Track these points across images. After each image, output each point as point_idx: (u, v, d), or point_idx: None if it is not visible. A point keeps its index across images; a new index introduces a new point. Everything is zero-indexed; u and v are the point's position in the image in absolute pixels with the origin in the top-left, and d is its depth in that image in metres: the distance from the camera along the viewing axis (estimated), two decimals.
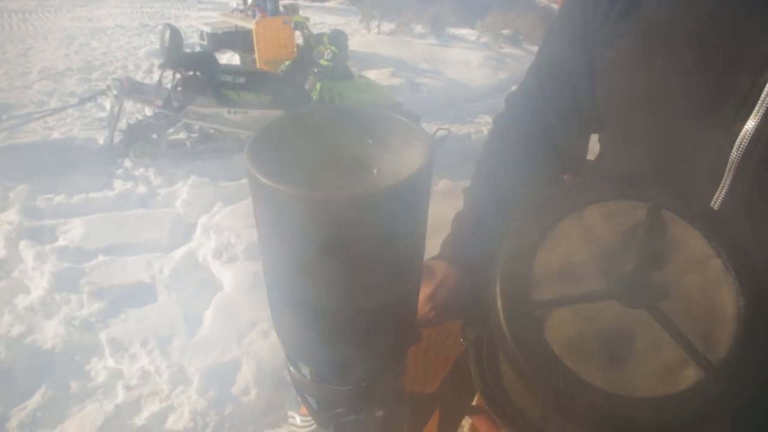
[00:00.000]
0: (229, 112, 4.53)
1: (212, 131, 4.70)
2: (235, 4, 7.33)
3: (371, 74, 6.37)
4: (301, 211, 0.35)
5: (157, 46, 4.75)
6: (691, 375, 0.24)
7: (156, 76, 4.94)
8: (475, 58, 8.25)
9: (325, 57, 4.85)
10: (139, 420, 2.18)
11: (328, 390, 0.44)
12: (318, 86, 4.79)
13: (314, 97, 4.78)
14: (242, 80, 4.60)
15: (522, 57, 8.78)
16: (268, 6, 6.32)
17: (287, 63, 5.15)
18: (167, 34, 4.37)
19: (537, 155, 0.70)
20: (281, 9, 6.47)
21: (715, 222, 0.27)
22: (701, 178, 0.51)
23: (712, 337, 0.24)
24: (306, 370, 0.45)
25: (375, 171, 0.39)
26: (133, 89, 4.50)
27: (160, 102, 4.42)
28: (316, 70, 4.88)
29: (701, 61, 0.51)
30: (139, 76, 6.74)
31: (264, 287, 0.44)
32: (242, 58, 6.78)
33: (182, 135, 4.80)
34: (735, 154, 0.48)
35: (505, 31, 11.17)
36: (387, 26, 10.51)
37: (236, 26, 6.82)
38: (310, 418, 0.64)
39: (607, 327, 0.25)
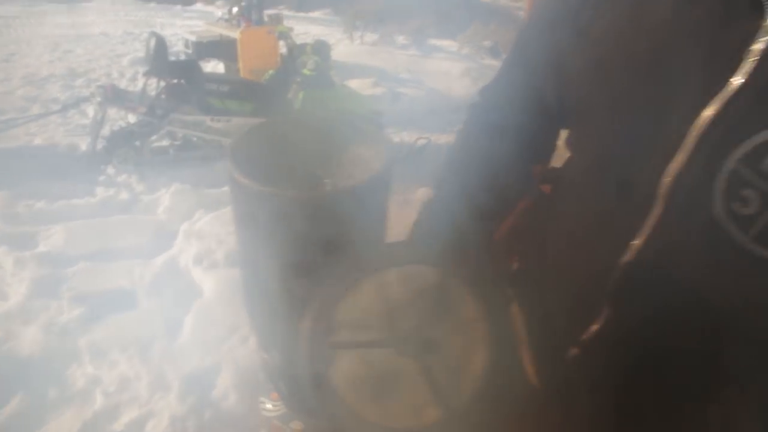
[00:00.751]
0: (212, 120, 4.56)
1: (195, 139, 4.72)
2: (220, 14, 7.37)
3: (354, 84, 6.43)
4: (269, 206, 0.39)
5: (141, 54, 4.77)
6: (434, 414, 0.29)
7: (140, 84, 4.95)
8: (456, 69, 8.36)
9: (308, 67, 4.90)
10: (118, 426, 2.18)
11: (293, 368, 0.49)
12: (301, 95, 4.84)
13: (297, 106, 4.83)
14: (226, 89, 4.64)
15: None
16: (253, 16, 6.36)
17: (271, 72, 5.20)
18: (152, 42, 4.40)
19: (505, 147, 0.72)
20: (266, 19, 6.52)
21: (491, 291, 0.31)
22: (634, 207, 0.55)
23: (459, 386, 0.29)
24: (278, 356, 0.50)
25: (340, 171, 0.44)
26: (116, 96, 4.51)
27: (143, 109, 4.44)
28: (299, 80, 4.93)
29: (643, 92, 0.54)
30: (123, 84, 6.74)
31: (244, 293, 0.48)
32: (227, 67, 6.81)
33: (165, 142, 4.82)
34: (663, 191, 0.52)
35: (485, 43, 11.32)
36: (370, 37, 10.61)
37: (221, 35, 6.85)
38: (280, 402, 0.68)
39: (381, 369, 0.29)
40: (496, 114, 0.75)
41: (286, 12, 12.54)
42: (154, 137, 4.69)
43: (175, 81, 4.55)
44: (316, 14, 13.65)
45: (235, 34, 6.32)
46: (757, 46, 0.46)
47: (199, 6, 13.45)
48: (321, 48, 5.11)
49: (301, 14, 13.10)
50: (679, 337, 0.54)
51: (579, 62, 0.61)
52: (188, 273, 3.21)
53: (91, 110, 4.99)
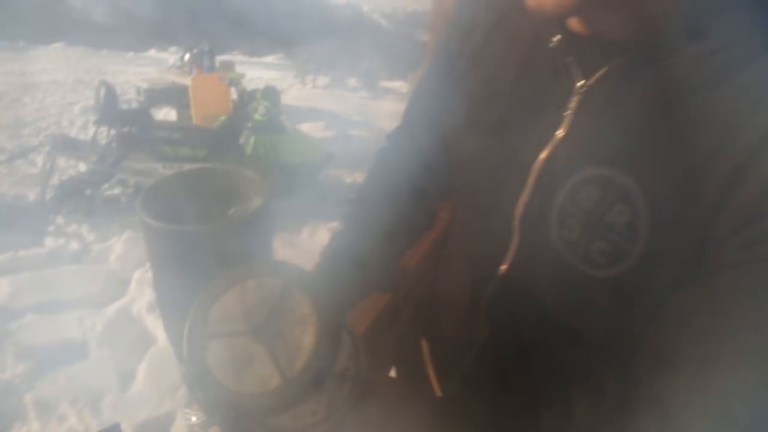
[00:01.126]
0: (164, 166, 4.60)
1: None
2: (172, 61, 7.45)
3: (305, 127, 6.57)
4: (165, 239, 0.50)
5: (92, 102, 4.79)
6: (275, 382, 0.43)
7: (91, 133, 4.96)
8: None
9: (259, 112, 5.02)
10: None
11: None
12: (252, 140, 4.94)
13: (248, 151, 4.93)
14: (177, 135, 4.69)
15: None
16: (205, 63, 6.46)
17: (222, 118, 5.29)
18: (102, 91, 4.44)
19: (408, 186, 0.83)
20: (218, 65, 6.63)
21: (321, 296, 0.46)
22: (500, 234, 0.67)
23: (295, 362, 0.43)
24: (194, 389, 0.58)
25: (231, 211, 0.56)
26: (66, 145, 4.50)
27: (94, 158, 4.45)
28: (250, 125, 5.04)
29: (494, 129, 0.66)
30: (73, 133, 6.68)
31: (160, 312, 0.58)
32: (179, 114, 6.86)
33: (117, 190, 4.81)
34: (517, 221, 0.64)
35: None
36: (322, 80, 10.86)
37: (173, 82, 6.92)
38: (201, 412, 0.75)
39: (240, 352, 0.43)
40: (401, 157, 0.87)
41: (239, 57, 12.74)
42: (105, 186, 4.67)
43: (126, 129, 4.58)
44: (269, 59, 13.89)
45: (187, 81, 6.40)
46: (572, 105, 0.58)
47: (152, 53, 13.51)
48: (271, 94, 5.24)
49: (254, 59, 13.30)
50: (543, 342, 0.65)
51: (455, 113, 0.73)
52: (141, 321, 3.21)
53: (39, 160, 4.95)
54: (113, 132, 4.54)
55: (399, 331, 0.95)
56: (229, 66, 6.73)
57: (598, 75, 0.57)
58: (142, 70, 10.12)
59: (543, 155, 0.60)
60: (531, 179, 0.62)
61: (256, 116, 5.01)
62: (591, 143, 0.57)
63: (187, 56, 6.82)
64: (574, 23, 0.59)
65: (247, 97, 5.17)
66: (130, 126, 4.58)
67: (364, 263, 0.75)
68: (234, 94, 5.64)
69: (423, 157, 0.83)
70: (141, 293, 3.43)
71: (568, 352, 0.63)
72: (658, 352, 0.51)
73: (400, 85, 12.00)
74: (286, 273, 0.47)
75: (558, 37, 0.59)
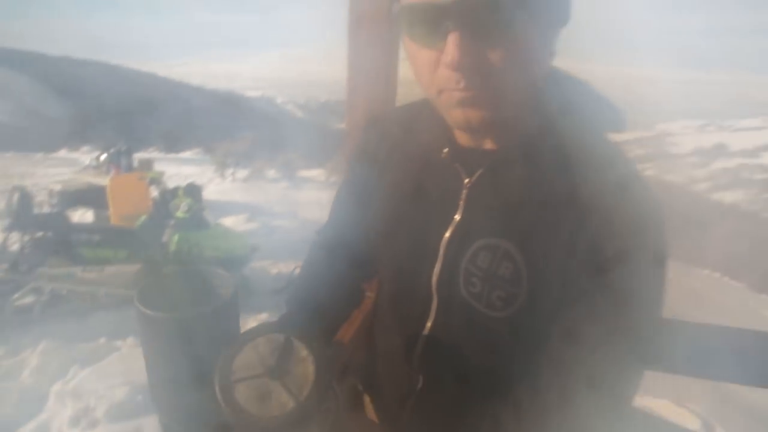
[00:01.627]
0: (83, 270, 4.47)
1: (65, 292, 4.55)
2: (88, 161, 7.36)
3: (228, 221, 6.62)
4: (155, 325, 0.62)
5: (1, 207, 4.64)
6: (291, 405, 0.58)
7: (0, 240, 4.75)
8: (326, 197, 8.81)
9: (181, 209, 5.05)
10: None
11: None
12: (176, 238, 4.93)
13: (172, 249, 4.89)
14: (97, 237, 4.62)
15: None
16: (122, 162, 6.45)
17: (143, 217, 5.25)
18: (16, 196, 4.34)
19: (339, 273, 0.98)
20: (136, 164, 6.63)
21: (316, 343, 0.62)
22: (422, 298, 0.84)
23: (303, 390, 0.58)
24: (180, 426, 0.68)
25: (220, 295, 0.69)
26: None
27: (5, 266, 4.26)
28: (173, 223, 5.04)
29: (409, 220, 0.84)
30: None
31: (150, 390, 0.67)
32: (96, 215, 6.70)
33: (29, 299, 4.57)
34: (434, 285, 0.81)
35: None
36: (241, 173, 11.00)
37: (89, 183, 6.82)
38: None
39: (261, 388, 0.58)
40: (331, 249, 1.02)
41: (155, 154, 12.69)
42: (16, 295, 4.45)
43: (41, 234, 4.45)
44: (186, 154, 13.91)
45: (104, 181, 6.33)
46: (462, 196, 0.78)
47: (62, 153, 13.20)
48: (192, 191, 5.30)
49: (171, 155, 13.28)
50: (470, 367, 0.82)
51: (371, 207, 0.91)
52: None
53: None
54: (26, 238, 4.40)
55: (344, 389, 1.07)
56: (148, 164, 6.75)
57: (477, 174, 0.77)
58: (54, 172, 9.84)
59: (447, 235, 0.79)
60: (441, 253, 0.80)
61: (179, 214, 5.02)
62: (480, 222, 0.76)
63: (103, 156, 6.79)
64: (462, 139, 0.79)
65: (169, 195, 5.20)
66: (45, 230, 4.46)
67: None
68: (155, 192, 5.65)
69: (348, 248, 0.99)
70: (62, 407, 3.23)
71: (488, 380, 0.80)
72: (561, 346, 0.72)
73: (319, 174, 12.34)
74: (284, 329, 0.62)
75: (446, 150, 0.79)
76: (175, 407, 0.62)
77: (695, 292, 8.62)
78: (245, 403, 0.58)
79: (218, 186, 9.39)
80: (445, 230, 0.79)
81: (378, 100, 1.20)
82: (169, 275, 0.72)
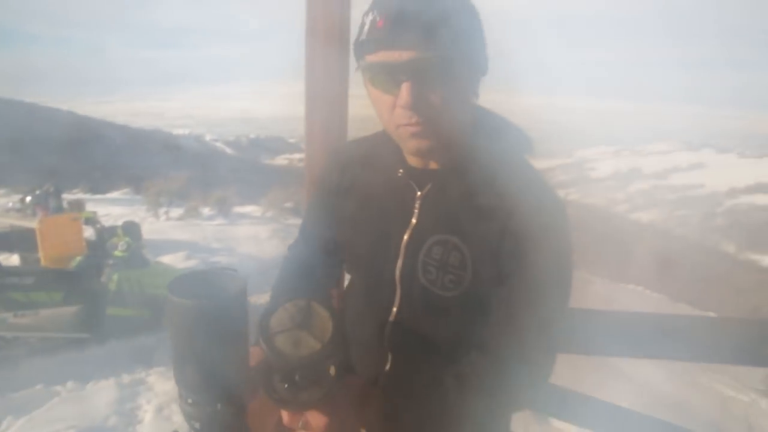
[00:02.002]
0: (15, 315, 4.32)
1: None
2: (10, 204, 7.06)
3: (166, 259, 6.53)
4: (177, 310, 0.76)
5: None
6: (318, 346, 0.77)
7: None
8: (263, 232, 8.92)
9: (120, 248, 4.98)
10: None
11: (202, 411, 0.80)
12: (115, 277, 4.85)
13: (113, 288, 4.80)
14: (30, 281, 4.47)
15: None
16: (51, 204, 6.24)
17: (79, 258, 5.13)
18: None
19: (308, 281, 1.18)
20: (65, 205, 6.44)
21: (329, 304, 0.81)
22: (388, 288, 1.02)
23: (326, 335, 0.76)
24: (190, 400, 0.80)
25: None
26: None
27: None
28: (111, 262, 4.96)
29: (374, 227, 1.03)
30: None
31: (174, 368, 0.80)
32: (23, 258, 6.43)
33: None
34: (398, 277, 1.00)
35: (287, 204, 12.26)
36: (175, 212, 10.82)
37: (12, 226, 6.54)
38: None
39: (293, 337, 0.77)
40: (301, 262, 1.20)
41: (81, 195, 12.25)
42: None
43: None
44: (114, 194, 13.51)
45: (31, 223, 6.10)
46: (416, 205, 0.98)
47: None
48: (131, 229, 5.24)
49: (99, 196, 12.87)
50: (430, 342, 1.00)
51: (340, 221, 1.10)
52: None
53: None
54: None
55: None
56: (79, 205, 6.54)
57: (427, 187, 0.98)
58: None
59: (406, 237, 0.99)
60: (402, 251, 0.99)
61: (117, 252, 4.96)
62: (431, 223, 0.97)
63: (28, 198, 6.55)
64: (413, 161, 1.00)
65: (106, 234, 5.12)
66: None
67: None
68: (89, 232, 5.53)
69: (316, 258, 1.18)
70: None
71: (446, 350, 0.99)
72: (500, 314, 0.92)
73: (254, 210, 12.30)
74: (305, 296, 0.84)
75: (401, 170, 1.00)
76: (196, 383, 0.76)
77: (622, 306, 9.19)
78: (283, 348, 0.77)
79: (152, 225, 9.20)
80: (405, 233, 0.99)
81: (333, 135, 1.39)
82: (191, 275, 0.86)
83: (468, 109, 0.93)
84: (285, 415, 0.85)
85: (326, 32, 1.30)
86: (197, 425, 0.80)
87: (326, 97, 1.39)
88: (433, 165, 0.98)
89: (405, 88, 0.82)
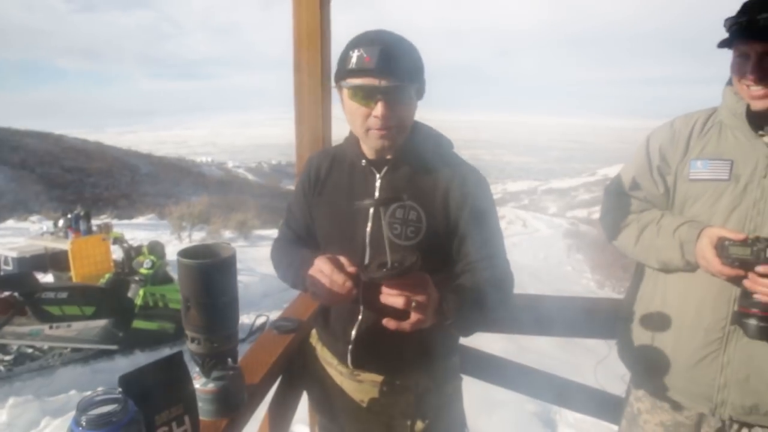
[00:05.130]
0: (50, 327, 4.66)
1: (30, 350, 4.72)
2: (45, 228, 7.51)
3: None
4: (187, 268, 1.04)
5: None
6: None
7: None
8: None
9: (145, 266, 5.34)
10: None
11: (205, 348, 1.07)
12: (141, 292, 5.20)
13: (139, 303, 5.15)
14: (64, 295, 4.81)
15: None
16: (82, 226, 6.67)
17: (108, 275, 5.50)
18: None
19: (299, 245, 1.43)
20: (95, 228, 6.86)
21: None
22: (358, 255, 1.25)
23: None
24: (195, 340, 1.07)
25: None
26: None
27: None
28: (137, 279, 5.32)
29: (345, 204, 1.30)
30: None
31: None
32: (56, 277, 6.85)
33: None
34: (367, 240, 1.25)
35: None
36: (198, 235, 11.24)
37: (46, 248, 6.98)
38: (201, 379, 1.18)
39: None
40: (287, 238, 1.48)
41: (107, 221, 12.76)
42: None
43: (8, 294, 4.65)
44: (140, 220, 14.00)
45: (63, 245, 6.53)
46: (378, 184, 1.27)
47: (10, 223, 13.09)
48: (156, 248, 5.59)
49: (125, 221, 13.37)
50: None
51: (316, 206, 1.38)
52: None
53: None
54: None
55: None
56: (106, 228, 6.97)
57: (383, 171, 1.28)
58: (5, 241, 9.84)
59: (371, 210, 1.27)
60: (370, 218, 1.27)
61: (142, 270, 5.32)
62: (391, 195, 1.24)
63: (61, 222, 6.99)
64: (371, 155, 1.29)
65: (133, 253, 5.49)
66: (12, 290, 4.66)
67: None
68: (118, 252, 5.90)
69: (298, 236, 1.47)
70: None
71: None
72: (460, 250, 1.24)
73: (274, 233, 12.61)
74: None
75: (364, 161, 1.30)
76: (199, 323, 1.05)
77: None
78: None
79: (176, 247, 9.57)
80: (370, 204, 1.25)
81: (317, 147, 1.72)
82: (196, 246, 1.13)
83: (412, 119, 1.27)
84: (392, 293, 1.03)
85: (309, 68, 1.65)
86: (199, 360, 1.09)
87: (311, 118, 1.72)
88: (387, 156, 1.29)
89: (380, 105, 1.15)
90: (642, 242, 1.43)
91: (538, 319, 1.78)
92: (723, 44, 1.26)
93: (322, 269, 1.13)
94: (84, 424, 0.72)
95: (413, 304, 1.01)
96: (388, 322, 1.03)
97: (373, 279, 1.01)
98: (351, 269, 1.13)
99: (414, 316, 1.02)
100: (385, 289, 1.02)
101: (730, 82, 1.34)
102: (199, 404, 1.06)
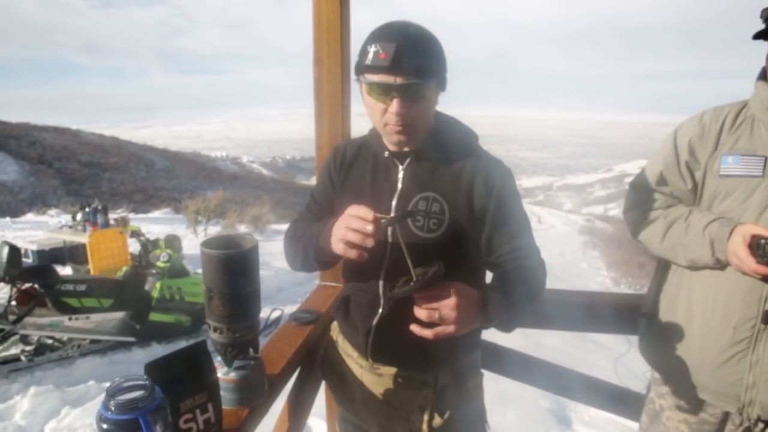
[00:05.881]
0: (70, 319, 4.73)
1: (50, 341, 4.79)
2: (63, 221, 7.61)
3: None
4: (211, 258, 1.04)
5: None
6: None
7: None
8: None
9: (162, 259, 5.39)
10: None
11: (227, 337, 1.08)
12: (158, 285, 5.25)
13: (156, 296, 5.20)
14: (83, 287, 4.88)
15: None
16: (99, 220, 6.75)
17: (125, 268, 5.56)
18: (5, 250, 4.57)
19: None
20: (112, 222, 6.94)
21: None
22: (381, 248, 1.25)
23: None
24: (218, 330, 1.08)
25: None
26: None
27: None
28: (154, 272, 5.37)
29: (368, 194, 1.30)
30: None
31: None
32: (74, 270, 6.95)
33: (15, 350, 4.78)
34: (389, 235, 1.27)
35: None
36: (213, 229, 11.31)
37: (65, 241, 7.07)
38: (223, 369, 1.20)
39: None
40: (307, 220, 1.45)
41: (124, 215, 12.90)
42: (1, 347, 4.67)
43: (29, 286, 4.72)
44: (156, 214, 14.13)
45: (81, 238, 6.61)
46: (400, 176, 1.25)
47: (29, 216, 13.30)
48: (172, 241, 5.65)
49: (141, 215, 13.49)
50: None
51: (339, 195, 1.37)
52: None
53: None
54: (14, 290, 4.65)
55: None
56: (123, 222, 7.05)
57: (406, 163, 1.27)
58: (23, 234, 9.99)
59: (395, 200, 1.27)
60: (392, 210, 1.26)
61: (159, 263, 5.37)
62: (414, 186, 1.25)
63: (79, 215, 7.08)
64: (393, 147, 1.28)
65: (150, 246, 5.55)
66: (33, 282, 4.73)
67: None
68: (134, 245, 5.96)
69: (318, 220, 1.44)
70: None
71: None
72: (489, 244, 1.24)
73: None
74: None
75: (387, 153, 1.29)
76: (221, 312, 1.05)
77: None
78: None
79: (192, 241, 9.67)
80: (393, 197, 1.27)
81: (335, 141, 1.72)
82: (219, 236, 1.14)
83: (432, 113, 1.26)
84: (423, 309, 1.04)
85: (329, 61, 1.64)
86: (222, 350, 1.10)
87: (330, 111, 1.72)
88: (408, 149, 1.27)
89: (395, 102, 1.14)
90: (669, 239, 1.41)
91: (559, 313, 1.77)
92: (759, 35, 1.23)
93: (352, 212, 1.11)
94: (113, 408, 0.73)
95: (436, 316, 1.02)
96: (414, 327, 1.04)
97: (397, 295, 1.01)
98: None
99: (439, 327, 1.03)
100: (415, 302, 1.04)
101: (761, 76, 1.31)
102: (221, 393, 1.07)
